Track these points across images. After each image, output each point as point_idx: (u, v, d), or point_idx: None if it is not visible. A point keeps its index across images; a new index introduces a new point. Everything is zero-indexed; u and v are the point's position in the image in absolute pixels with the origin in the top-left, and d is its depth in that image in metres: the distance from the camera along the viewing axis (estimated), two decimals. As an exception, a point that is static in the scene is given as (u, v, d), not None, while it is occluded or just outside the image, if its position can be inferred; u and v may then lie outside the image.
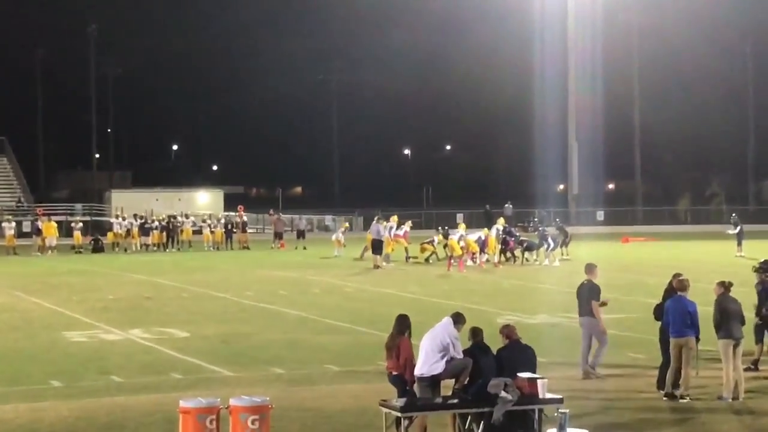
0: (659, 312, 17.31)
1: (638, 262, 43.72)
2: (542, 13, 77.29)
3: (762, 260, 19.23)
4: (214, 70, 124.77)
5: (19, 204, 74.24)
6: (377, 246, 41.13)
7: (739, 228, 47.31)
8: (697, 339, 16.75)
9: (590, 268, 18.81)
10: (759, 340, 18.70)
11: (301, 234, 56.68)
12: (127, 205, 67.09)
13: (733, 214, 51.60)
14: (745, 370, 17.44)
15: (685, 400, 16.23)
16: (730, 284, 16.91)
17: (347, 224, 51.66)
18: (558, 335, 22.68)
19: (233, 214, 62.36)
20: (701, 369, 17.30)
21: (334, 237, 50.24)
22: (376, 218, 44.25)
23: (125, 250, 54.65)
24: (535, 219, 65.92)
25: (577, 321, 18.74)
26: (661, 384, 16.78)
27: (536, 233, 45.55)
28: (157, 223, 55.88)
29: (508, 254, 43.48)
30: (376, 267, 40.27)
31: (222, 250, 54.99)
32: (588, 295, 18.38)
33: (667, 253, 44.71)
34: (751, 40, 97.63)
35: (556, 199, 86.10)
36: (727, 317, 16.62)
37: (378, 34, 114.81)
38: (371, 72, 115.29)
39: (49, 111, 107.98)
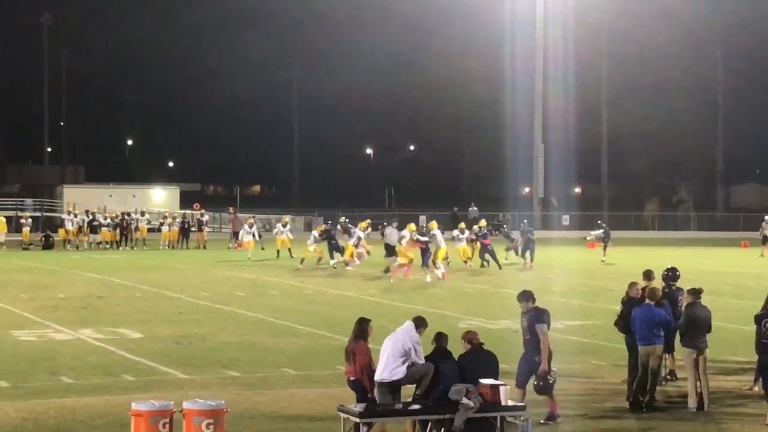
0: (623, 324, 17.06)
1: (603, 267, 43.55)
2: (512, 14, 76.80)
3: (668, 267, 18.77)
4: (173, 64, 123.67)
5: (-34, 199, 73.19)
6: (390, 250, 39.25)
7: (603, 232, 47.80)
8: (672, 349, 16.52)
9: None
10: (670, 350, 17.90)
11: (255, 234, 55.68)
12: (80, 201, 66.23)
13: (599, 221, 52.36)
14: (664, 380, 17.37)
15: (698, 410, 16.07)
16: (701, 291, 16.63)
17: (287, 219, 50.41)
18: (521, 341, 22.17)
19: (191, 212, 61.68)
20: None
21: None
22: (392, 223, 42.26)
23: (77, 247, 53.80)
24: (499, 221, 65.63)
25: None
26: (631, 393, 16.52)
27: (501, 235, 45.13)
28: (109, 220, 54.89)
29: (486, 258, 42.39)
30: (387, 271, 38.57)
31: (177, 249, 54.35)
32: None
33: (631, 260, 44.59)
34: (721, 45, 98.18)
35: (522, 202, 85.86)
36: (693, 326, 16.35)
37: (342, 32, 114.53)
38: (334, 70, 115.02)
39: (0, 102, 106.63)
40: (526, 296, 15.58)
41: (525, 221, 49.14)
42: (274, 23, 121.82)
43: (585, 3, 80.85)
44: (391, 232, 38.73)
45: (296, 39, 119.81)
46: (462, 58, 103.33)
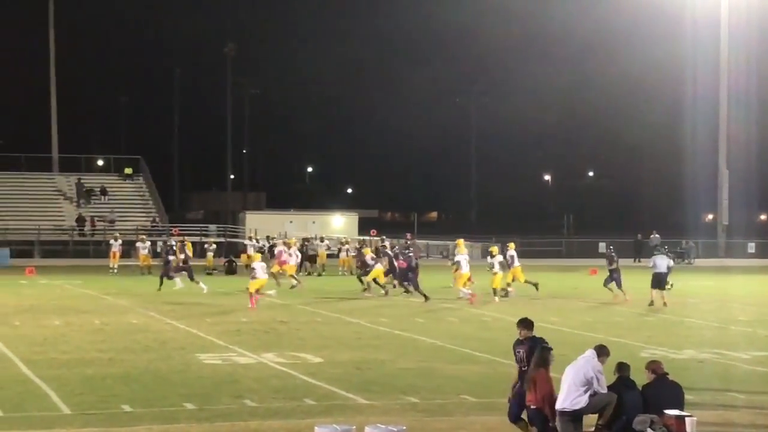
0: None
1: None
2: (693, 38, 75.25)
3: None
4: (351, 93, 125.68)
5: (154, 224, 75.35)
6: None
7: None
8: None
9: None
10: None
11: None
12: (261, 227, 67.51)
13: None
14: None
15: None
16: None
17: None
18: (706, 372, 21.71)
19: (368, 238, 62.10)
20: None
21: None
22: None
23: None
24: (682, 248, 63.68)
25: (726, 357, 17.82)
26: None
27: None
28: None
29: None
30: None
31: (355, 275, 54.75)
32: None
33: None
34: None
35: (705, 229, 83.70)
36: None
37: (519, 59, 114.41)
38: (511, 98, 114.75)
39: (185, 131, 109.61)
40: (528, 324, 14.97)
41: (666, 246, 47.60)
42: (452, 52, 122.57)
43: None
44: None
45: (475, 66, 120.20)
46: (642, 83, 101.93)
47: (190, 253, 46.27)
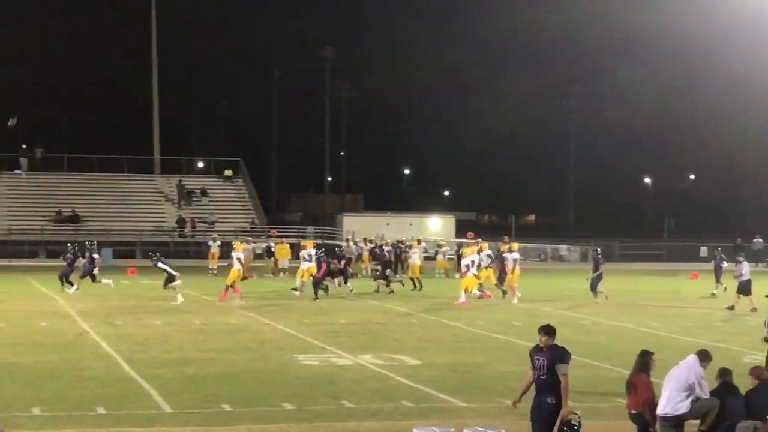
0: None
1: None
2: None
3: None
4: (448, 95, 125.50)
5: (252, 226, 76.03)
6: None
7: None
8: None
9: None
10: None
11: None
12: (358, 229, 67.72)
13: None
14: None
15: None
16: None
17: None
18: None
19: (464, 240, 61.90)
20: None
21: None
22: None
23: (355, 274, 54.91)
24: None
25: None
26: None
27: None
28: (390, 247, 55.54)
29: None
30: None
31: (451, 278, 54.69)
32: None
33: None
34: None
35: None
36: None
37: (617, 60, 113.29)
38: (610, 99, 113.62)
39: (284, 133, 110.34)
40: (550, 331, 13.87)
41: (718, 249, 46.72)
42: (548, 54, 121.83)
43: None
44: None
45: (573, 68, 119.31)
46: (743, 84, 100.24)
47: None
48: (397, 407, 18.21)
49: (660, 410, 13.68)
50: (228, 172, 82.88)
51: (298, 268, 41.46)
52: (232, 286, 38.11)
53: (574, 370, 22.34)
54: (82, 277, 40.85)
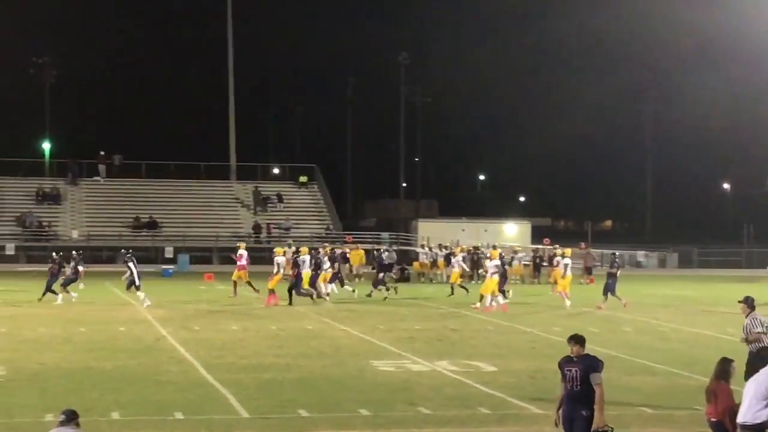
0: None
1: None
2: None
3: None
4: (523, 100, 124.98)
5: (328, 231, 76.29)
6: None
7: None
8: None
9: None
10: None
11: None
12: (434, 234, 67.65)
13: None
14: None
15: None
16: None
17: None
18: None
19: (542, 247, 61.65)
20: None
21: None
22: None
23: (431, 280, 54.93)
24: None
25: None
26: None
27: None
28: (465, 254, 55.39)
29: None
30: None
31: (528, 284, 54.48)
32: None
33: None
34: None
35: None
36: None
37: (694, 65, 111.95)
38: (687, 103, 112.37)
39: (358, 139, 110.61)
40: (580, 340, 13.52)
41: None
42: (624, 59, 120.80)
43: None
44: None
45: (649, 72, 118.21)
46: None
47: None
48: (474, 414, 18.13)
49: (740, 418, 13.46)
50: (303, 179, 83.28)
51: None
52: (272, 290, 38.35)
53: (652, 377, 22.27)
54: (64, 285, 39.13)
